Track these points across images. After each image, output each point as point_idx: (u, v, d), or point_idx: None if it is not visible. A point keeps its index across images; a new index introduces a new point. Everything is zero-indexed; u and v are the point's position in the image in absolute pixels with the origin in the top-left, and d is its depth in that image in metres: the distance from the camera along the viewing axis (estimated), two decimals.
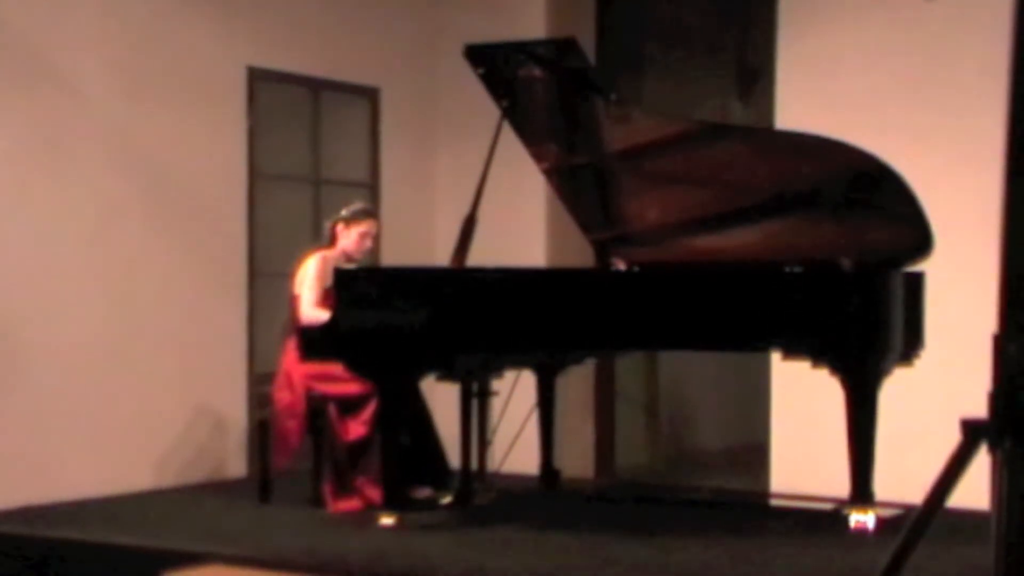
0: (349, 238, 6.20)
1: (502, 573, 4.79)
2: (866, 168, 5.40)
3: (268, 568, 4.90)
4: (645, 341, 5.89)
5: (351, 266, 6.14)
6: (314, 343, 5.74)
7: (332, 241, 6.24)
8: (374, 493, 5.90)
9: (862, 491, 5.41)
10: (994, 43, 2.76)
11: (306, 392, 6.10)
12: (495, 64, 5.89)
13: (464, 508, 6.04)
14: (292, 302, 6.21)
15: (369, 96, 7.97)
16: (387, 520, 5.57)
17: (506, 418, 6.45)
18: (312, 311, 5.97)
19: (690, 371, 8.93)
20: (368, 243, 6.27)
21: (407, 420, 5.85)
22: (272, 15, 7.40)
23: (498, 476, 6.50)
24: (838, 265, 5.59)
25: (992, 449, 2.19)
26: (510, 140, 6.03)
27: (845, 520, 5.43)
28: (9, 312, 6.19)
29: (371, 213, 6.39)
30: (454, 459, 6.26)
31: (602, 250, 6.41)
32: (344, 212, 6.26)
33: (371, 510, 5.79)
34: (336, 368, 5.77)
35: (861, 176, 5.48)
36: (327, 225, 6.33)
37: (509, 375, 6.37)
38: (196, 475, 6.93)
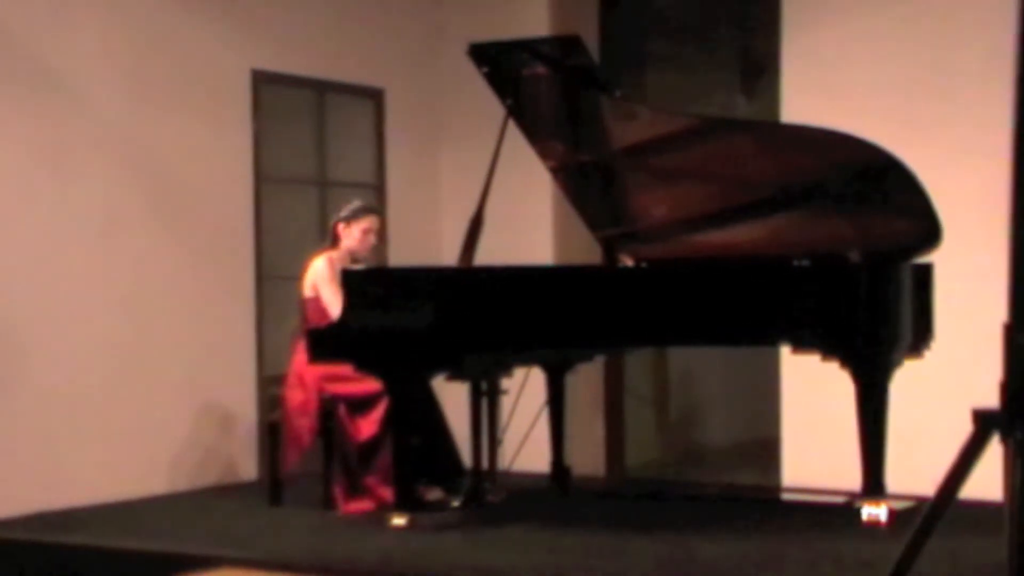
0: (352, 237, 6.20)
1: (514, 573, 4.79)
2: (873, 160, 5.38)
3: (280, 570, 4.90)
4: (654, 337, 5.89)
5: (358, 266, 6.15)
6: (322, 344, 5.73)
7: (335, 241, 6.24)
8: (385, 493, 5.90)
9: (874, 484, 5.39)
10: (999, 33, 2.75)
11: (318, 392, 6.10)
12: (499, 63, 5.89)
13: (475, 507, 6.04)
14: (302, 305, 6.21)
15: (374, 97, 7.97)
16: (399, 521, 5.57)
17: (516, 417, 6.44)
18: None
19: (699, 367, 8.92)
20: (372, 239, 6.27)
21: (418, 420, 5.85)
22: (276, 18, 7.40)
23: (509, 475, 6.49)
24: (846, 258, 5.58)
25: (1004, 439, 2.18)
26: (516, 139, 6.02)
27: (857, 513, 5.42)
28: (18, 317, 6.19)
29: (372, 209, 6.38)
30: (465, 459, 6.26)
31: (609, 247, 6.41)
32: (344, 212, 6.26)
33: (382, 511, 5.79)
34: (346, 368, 5.76)
35: (868, 168, 5.46)
36: (330, 226, 6.33)
37: (518, 373, 6.36)
38: (206, 478, 6.94)
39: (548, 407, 6.68)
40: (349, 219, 6.21)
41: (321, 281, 6.10)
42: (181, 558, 5.06)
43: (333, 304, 6.00)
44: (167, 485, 6.74)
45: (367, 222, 6.23)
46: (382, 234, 6.49)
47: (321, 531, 5.67)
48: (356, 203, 6.35)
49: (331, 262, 6.13)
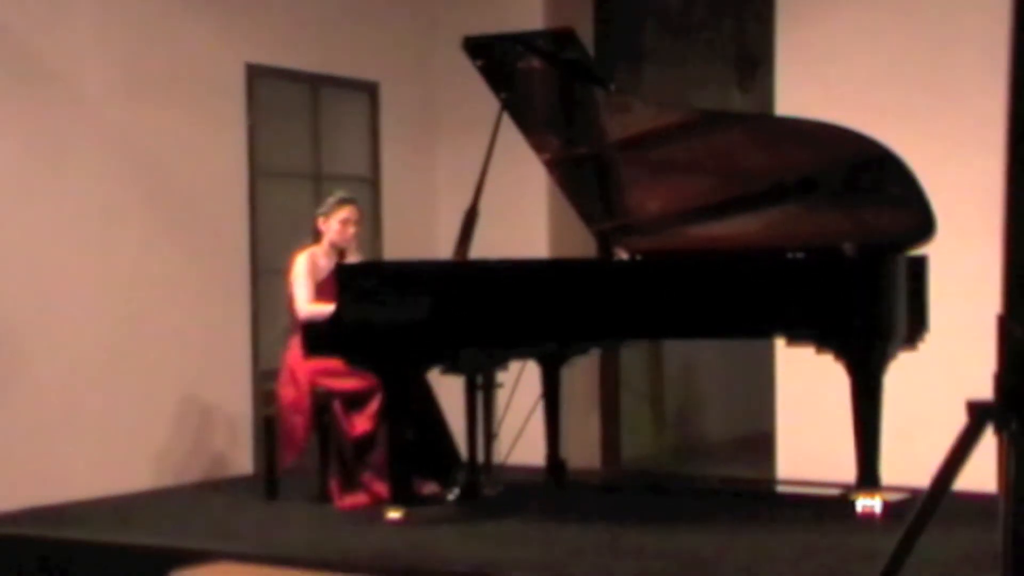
0: (331, 229, 6.23)
1: (511, 566, 4.79)
2: (867, 153, 5.39)
3: (276, 565, 4.89)
4: (649, 330, 5.89)
5: (350, 260, 6.15)
6: (317, 339, 5.73)
7: (318, 237, 6.26)
8: (381, 488, 5.90)
9: (868, 476, 5.41)
10: (993, 26, 2.76)
11: (311, 388, 6.11)
12: (494, 56, 5.88)
13: (471, 501, 6.04)
14: (289, 301, 6.24)
15: (369, 91, 7.97)
16: (394, 515, 5.57)
17: (511, 410, 6.45)
18: (308, 307, 6.01)
19: (695, 360, 8.93)
20: (351, 229, 6.28)
21: (412, 414, 5.85)
22: (270, 12, 7.39)
23: (504, 468, 6.49)
24: (841, 250, 5.59)
25: (998, 431, 2.19)
26: (510, 132, 6.02)
27: (852, 505, 5.43)
28: (12, 314, 6.19)
29: (347, 200, 6.37)
30: (461, 452, 6.26)
31: (604, 240, 6.41)
32: (322, 206, 6.31)
33: (378, 505, 5.79)
34: (340, 363, 5.77)
35: (862, 161, 5.47)
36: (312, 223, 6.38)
37: (514, 367, 6.36)
38: (202, 473, 6.94)
39: (544, 401, 6.68)
40: (327, 213, 6.25)
41: (296, 277, 6.14)
42: (177, 552, 5.06)
43: (301, 302, 6.05)
44: (162, 480, 6.74)
45: (344, 212, 6.25)
46: (375, 225, 6.48)
47: (317, 525, 5.68)
48: (333, 196, 6.39)
49: (312, 258, 6.17)
